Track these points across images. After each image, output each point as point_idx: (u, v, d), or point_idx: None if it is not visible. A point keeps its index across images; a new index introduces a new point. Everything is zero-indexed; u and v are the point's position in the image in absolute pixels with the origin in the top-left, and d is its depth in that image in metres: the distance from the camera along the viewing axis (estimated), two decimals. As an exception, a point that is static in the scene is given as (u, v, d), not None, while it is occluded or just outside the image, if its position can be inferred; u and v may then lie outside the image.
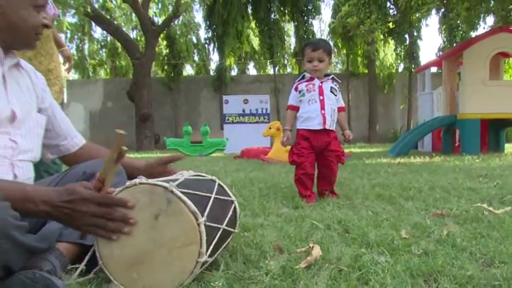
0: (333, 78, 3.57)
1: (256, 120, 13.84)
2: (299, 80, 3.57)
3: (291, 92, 3.61)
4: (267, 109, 14.13)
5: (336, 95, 3.53)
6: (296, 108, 3.55)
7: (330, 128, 3.46)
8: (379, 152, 10.59)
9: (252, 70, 25.24)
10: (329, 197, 3.36)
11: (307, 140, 3.42)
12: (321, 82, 3.48)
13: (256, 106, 13.99)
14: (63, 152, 2.01)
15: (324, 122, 3.41)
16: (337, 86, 3.60)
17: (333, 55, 21.22)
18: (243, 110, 14.06)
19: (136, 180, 1.50)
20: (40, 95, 1.88)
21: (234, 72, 23.40)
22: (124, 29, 21.64)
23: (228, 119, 14.10)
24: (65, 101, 3.74)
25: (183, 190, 1.49)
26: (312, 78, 3.49)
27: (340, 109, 3.60)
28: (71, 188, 1.42)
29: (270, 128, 8.80)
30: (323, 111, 3.42)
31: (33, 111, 1.80)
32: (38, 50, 3.25)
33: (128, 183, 1.51)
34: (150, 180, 1.51)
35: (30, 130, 1.75)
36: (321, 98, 3.44)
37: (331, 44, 23.39)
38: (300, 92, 3.51)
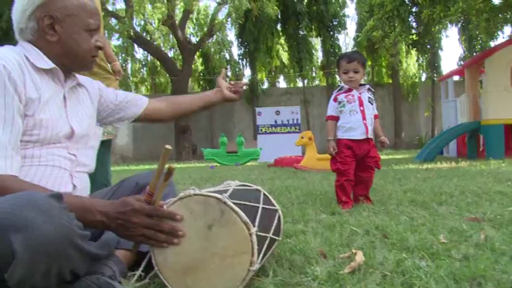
0: (368, 88, 3.55)
1: (287, 131, 13.82)
2: (338, 91, 3.54)
3: (329, 103, 3.57)
4: (297, 119, 14.10)
5: (372, 104, 3.51)
6: (336, 118, 3.51)
7: (371, 137, 3.45)
8: (406, 158, 10.45)
9: (281, 83, 25.20)
10: (363, 203, 3.31)
11: (351, 149, 3.39)
12: (360, 93, 3.46)
13: (287, 117, 13.98)
14: (139, 112, 2.04)
15: (367, 132, 3.40)
16: (373, 95, 3.58)
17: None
18: (275, 121, 14.06)
19: (191, 192, 1.50)
20: (99, 101, 1.92)
21: (265, 86, 23.43)
22: (163, 48, 21.93)
23: (262, 130, 14.11)
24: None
25: (235, 201, 1.48)
26: (350, 89, 3.46)
27: (375, 117, 3.57)
28: (124, 200, 1.45)
29: (302, 138, 8.75)
30: (365, 121, 3.40)
31: (92, 125, 1.84)
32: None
33: (182, 194, 1.51)
34: (203, 191, 1.51)
35: (87, 144, 1.78)
36: (362, 108, 3.41)
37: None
38: (339, 102, 3.47)
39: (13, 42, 1.70)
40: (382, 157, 11.73)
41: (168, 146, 1.43)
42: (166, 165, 1.44)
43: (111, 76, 3.44)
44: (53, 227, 1.17)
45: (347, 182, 3.35)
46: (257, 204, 1.65)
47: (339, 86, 3.60)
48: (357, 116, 3.41)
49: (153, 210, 1.45)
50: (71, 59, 1.69)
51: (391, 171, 6.45)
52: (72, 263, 1.26)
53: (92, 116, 1.85)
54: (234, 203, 1.47)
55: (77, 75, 1.82)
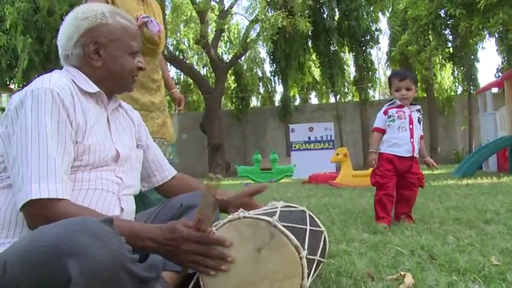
0: (418, 109, 3.56)
1: (321, 147, 13.75)
2: (389, 105, 3.54)
3: (377, 115, 3.58)
4: (331, 136, 14.02)
5: (420, 124, 3.52)
6: (383, 131, 3.50)
7: (416, 156, 3.45)
8: (443, 174, 10.23)
9: (313, 99, 25.16)
10: (405, 221, 3.26)
11: (392, 163, 3.38)
12: (411, 111, 3.46)
13: (321, 133, 13.92)
14: (155, 183, 2.04)
15: (413, 150, 3.40)
16: (421, 115, 3.59)
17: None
18: (309, 138, 14.01)
19: (240, 214, 1.50)
20: (137, 130, 1.95)
21: (297, 102, 23.42)
22: (196, 67, 22.23)
23: (295, 146, 14.08)
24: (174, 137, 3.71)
25: (283, 223, 1.48)
26: (401, 106, 3.47)
27: (420, 137, 3.56)
28: (173, 227, 1.47)
29: (337, 154, 8.70)
30: (412, 140, 3.40)
31: (134, 147, 1.87)
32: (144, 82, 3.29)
33: (231, 216, 1.52)
34: (252, 214, 1.51)
35: (131, 166, 1.81)
36: (411, 126, 3.42)
37: (389, 71, 23.09)
38: (389, 116, 3.47)
39: (54, 65, 1.75)
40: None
41: (212, 175, 1.45)
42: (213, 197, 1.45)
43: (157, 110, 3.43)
44: (106, 252, 1.20)
45: (386, 197, 3.32)
46: (304, 226, 1.65)
47: (392, 100, 3.61)
48: (405, 133, 3.41)
49: (203, 238, 1.46)
50: (113, 81, 1.74)
51: (430, 187, 6.33)
52: (122, 286, 1.27)
53: (133, 143, 1.89)
54: (283, 226, 1.47)
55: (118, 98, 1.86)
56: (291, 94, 22.02)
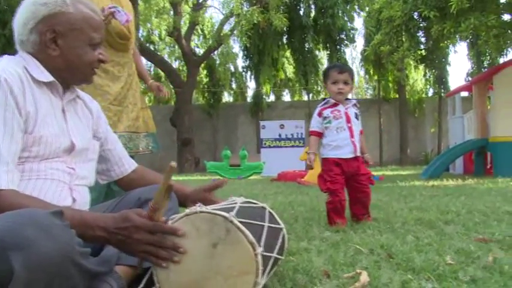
0: (354, 104, 3.48)
1: (291, 145, 13.83)
2: (322, 105, 3.42)
3: (312, 117, 3.50)
4: (302, 134, 14.10)
5: (358, 120, 3.43)
6: (320, 135, 3.41)
7: (359, 155, 3.37)
8: (411, 175, 10.42)
9: (286, 96, 25.26)
10: (366, 221, 3.28)
11: (339, 166, 3.30)
12: (346, 108, 3.37)
13: (291, 131, 13.98)
14: (113, 177, 2.02)
15: (355, 150, 3.32)
16: (359, 110, 3.51)
17: (364, 81, 20.95)
18: (279, 135, 14.06)
19: (197, 208, 1.50)
20: (95, 122, 1.92)
21: (269, 99, 23.47)
22: (167, 59, 22.05)
23: (265, 143, 14.12)
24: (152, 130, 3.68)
25: (241, 220, 1.48)
26: (336, 104, 3.37)
27: (360, 133, 3.48)
28: (125, 215, 1.44)
29: (306, 153, 8.76)
30: (353, 139, 3.32)
31: (90, 138, 1.85)
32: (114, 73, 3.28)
33: (188, 210, 1.52)
34: (210, 208, 1.51)
35: (86, 157, 1.79)
36: (349, 125, 3.33)
37: (363, 70, 23.35)
38: (325, 118, 3.36)
39: (15, 51, 1.72)
40: (387, 173, 11.76)
41: (173, 163, 1.44)
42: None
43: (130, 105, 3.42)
44: (54, 245, 1.17)
45: (340, 203, 3.24)
46: (262, 223, 1.66)
47: (324, 99, 3.51)
48: (344, 133, 3.32)
49: (156, 226, 1.44)
50: (71, 73, 1.70)
51: (397, 187, 6.44)
52: (71, 281, 1.25)
53: (91, 128, 1.87)
54: (240, 222, 1.47)
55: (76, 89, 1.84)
56: (264, 90, 22.06)
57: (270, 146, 14.09)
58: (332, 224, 3.17)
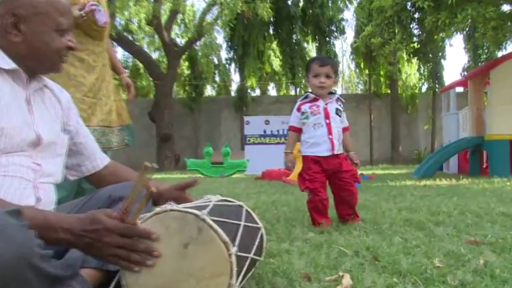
0: (338, 98, 3.47)
1: (277, 141, 13.80)
2: (302, 100, 3.44)
3: (292, 112, 3.49)
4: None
5: (340, 116, 3.42)
6: (298, 130, 3.42)
7: (339, 152, 3.36)
8: (403, 174, 10.49)
9: (272, 91, 25.29)
10: (353, 221, 3.28)
11: (318, 164, 3.30)
12: (326, 103, 3.36)
13: (277, 127, 13.95)
14: (84, 172, 1.99)
15: (333, 148, 3.30)
16: (342, 106, 3.49)
17: (354, 75, 20.93)
18: (264, 131, 14.04)
19: (167, 207, 1.48)
20: (65, 113, 1.88)
21: (255, 93, 23.47)
22: (146, 50, 21.90)
23: (249, 140, 14.09)
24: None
25: (214, 218, 1.47)
26: (316, 99, 3.38)
27: (344, 129, 3.48)
28: (93, 217, 1.39)
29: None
30: (330, 136, 3.31)
31: (59, 131, 1.81)
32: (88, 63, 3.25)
33: (159, 209, 1.50)
34: (181, 207, 1.49)
35: (54, 152, 1.75)
36: (327, 121, 3.32)
37: (353, 64, 23.44)
38: (303, 113, 3.37)
39: None
40: (378, 172, 11.81)
41: (148, 163, 1.41)
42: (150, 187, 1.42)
43: (103, 97, 3.40)
44: (8, 247, 1.13)
45: (321, 203, 3.25)
46: (238, 222, 1.64)
47: (305, 93, 3.51)
48: (321, 130, 3.31)
49: (129, 230, 1.40)
50: (36, 60, 1.67)
51: (387, 187, 6.46)
52: (29, 286, 1.20)
53: (58, 126, 1.83)
54: (213, 220, 1.46)
55: (44, 78, 1.79)
56: (248, 84, 22.03)
57: (254, 143, 14.05)
58: (316, 225, 3.17)
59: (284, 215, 3.74)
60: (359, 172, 9.98)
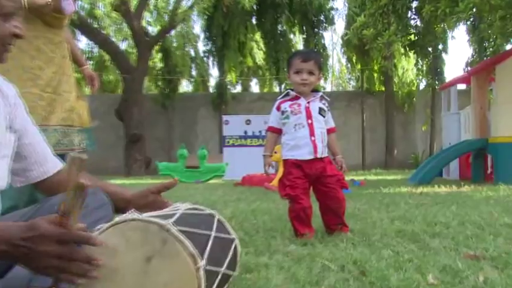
0: (321, 96, 3.49)
1: (259, 143, 13.78)
2: (282, 98, 3.46)
3: (271, 112, 3.51)
4: (272, 131, 14.08)
5: (324, 116, 3.44)
6: (278, 131, 3.45)
7: (323, 156, 3.36)
8: (397, 180, 10.55)
9: (255, 87, 25.29)
10: (341, 231, 3.29)
11: (299, 168, 3.30)
12: (308, 102, 3.38)
13: (259, 127, 13.94)
14: (33, 178, 1.92)
15: (315, 151, 3.31)
16: (326, 105, 3.51)
17: (346, 71, 20.96)
18: (245, 132, 14.04)
19: (128, 216, 1.47)
20: (12, 109, 1.82)
21: (235, 90, 23.46)
22: (114, 39, 21.73)
23: (228, 142, 14.08)
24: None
25: (181, 228, 1.46)
26: (297, 97, 3.40)
27: (330, 131, 3.50)
28: (32, 223, 1.35)
29: (275, 153, 8.77)
30: (313, 138, 3.32)
31: (3, 130, 1.75)
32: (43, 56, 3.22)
33: (118, 218, 1.48)
34: (143, 216, 1.48)
35: None
36: (309, 122, 3.34)
37: (344, 58, 23.51)
38: (283, 112, 3.40)
39: None
40: (370, 178, 11.87)
41: (78, 155, 1.38)
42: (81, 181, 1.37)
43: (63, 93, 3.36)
44: None
45: (303, 211, 3.25)
46: (208, 232, 1.64)
47: (286, 91, 3.53)
48: (303, 131, 3.33)
49: (64, 235, 1.35)
50: None
51: (379, 194, 6.50)
52: None
53: (5, 118, 1.77)
54: (180, 231, 1.45)
55: None
56: (228, 79, 22.01)
57: (234, 145, 14.05)
58: (298, 236, 3.17)
59: (264, 225, 3.74)
60: (349, 177, 10.04)
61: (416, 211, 4.49)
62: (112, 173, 16.80)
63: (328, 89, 24.24)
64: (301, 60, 3.36)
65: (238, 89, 24.09)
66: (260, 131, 13.97)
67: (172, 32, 20.29)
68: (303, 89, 3.38)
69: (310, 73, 3.35)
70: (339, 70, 26.86)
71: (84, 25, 17.83)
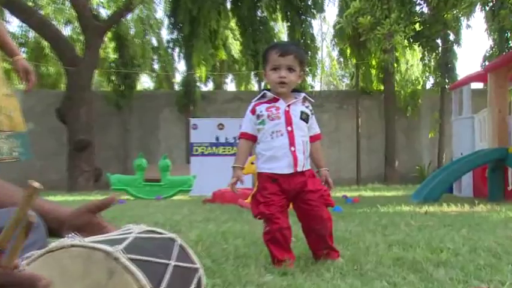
0: (304, 97, 3.46)
1: (234, 152, 13.82)
2: (257, 100, 3.42)
3: (245, 115, 3.45)
4: (248, 137, 14.11)
5: (307, 122, 3.41)
6: (252, 138, 3.40)
7: (304, 169, 3.32)
8: (398, 197, 10.61)
9: (229, 85, 25.35)
10: (328, 258, 3.29)
11: (276, 183, 3.27)
12: (288, 105, 3.35)
13: (234, 133, 13.96)
14: None
15: (296, 163, 3.27)
16: (310, 108, 3.48)
17: (338, 66, 20.99)
18: (217, 138, 14.06)
19: (66, 241, 1.46)
20: None
21: (206, 87, 23.49)
22: (54, 22, 21.49)
23: (197, 150, 14.08)
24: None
25: (132, 256, 1.45)
26: (275, 99, 3.37)
27: (314, 138, 3.48)
28: None
29: (252, 164, 8.80)
30: (293, 148, 3.27)
31: None
32: None
33: (54, 244, 1.47)
34: (86, 241, 1.47)
35: None
36: (289, 129, 3.30)
37: (336, 51, 23.60)
38: (258, 116, 3.35)
39: None
40: (365, 194, 11.92)
41: (34, 183, 1.37)
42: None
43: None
44: None
45: (280, 233, 3.20)
46: (166, 261, 1.63)
47: (262, 91, 3.50)
48: (281, 139, 3.28)
49: (4, 276, 1.32)
50: None
51: (375, 214, 6.52)
52: None
53: None
54: (131, 259, 1.44)
55: None
56: (198, 75, 22.00)
57: (203, 154, 14.07)
58: (277, 264, 3.15)
59: (236, 251, 3.73)
60: (340, 193, 10.08)
61: (419, 235, 4.52)
62: (52, 187, 16.62)
63: (317, 87, 24.34)
64: (278, 54, 3.32)
65: (210, 86, 24.15)
66: (235, 138, 13.99)
67: (129, 16, 20.21)
68: (281, 89, 3.34)
69: (290, 70, 3.32)
70: (329, 65, 26.99)
71: (15, 4, 17.49)
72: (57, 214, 1.93)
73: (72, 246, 1.45)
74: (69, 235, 1.49)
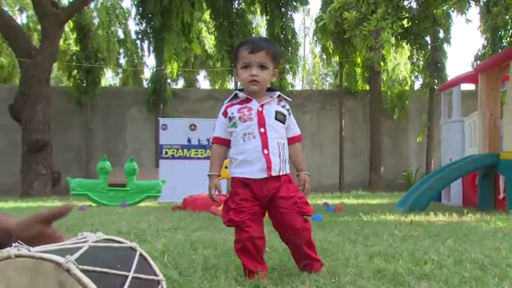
0: (279, 96, 3.44)
1: (207, 155, 13.81)
2: (229, 101, 3.40)
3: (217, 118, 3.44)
4: (222, 139, 14.10)
5: (284, 123, 3.39)
6: (226, 143, 3.39)
7: (280, 174, 3.30)
8: (383, 205, 10.66)
9: (203, 82, 25.34)
10: (309, 270, 3.28)
11: (248, 187, 3.25)
12: (261, 105, 3.33)
13: (207, 134, 13.94)
14: None
15: (269, 167, 3.25)
16: (287, 107, 3.46)
17: (321, 64, 21.00)
18: (189, 140, 14.03)
19: (11, 251, 1.45)
20: None
21: (177, 85, 23.42)
22: (7, 8, 21.23)
23: (167, 153, 14.05)
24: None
25: (86, 267, 1.44)
26: (248, 100, 3.35)
27: (294, 139, 3.47)
28: None
29: (226, 168, 8.79)
30: (266, 151, 3.26)
31: None
32: None
33: (-1, 254, 1.46)
34: (34, 251, 1.46)
35: None
36: (262, 130, 3.28)
37: (319, 48, 23.66)
38: (230, 119, 3.34)
39: None
40: (348, 202, 11.95)
41: None
42: None
43: None
44: None
45: (251, 242, 3.18)
46: (125, 272, 1.63)
47: (234, 91, 3.47)
48: (253, 142, 3.27)
49: None
50: None
51: (357, 223, 6.55)
52: None
53: None
54: (84, 271, 1.43)
55: None
56: (168, 71, 21.94)
57: (173, 157, 14.04)
58: (248, 276, 3.14)
59: (205, 262, 3.73)
60: (321, 201, 10.09)
61: (403, 245, 4.54)
62: (4, 192, 16.48)
63: (298, 87, 24.44)
64: (248, 51, 3.29)
65: (181, 83, 24.10)
66: (208, 139, 13.97)
67: (93, 4, 20.07)
68: (252, 88, 3.32)
69: (262, 67, 3.30)
70: (311, 63, 27.05)
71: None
72: (4, 225, 1.92)
73: (19, 256, 1.44)
74: (15, 245, 1.48)
